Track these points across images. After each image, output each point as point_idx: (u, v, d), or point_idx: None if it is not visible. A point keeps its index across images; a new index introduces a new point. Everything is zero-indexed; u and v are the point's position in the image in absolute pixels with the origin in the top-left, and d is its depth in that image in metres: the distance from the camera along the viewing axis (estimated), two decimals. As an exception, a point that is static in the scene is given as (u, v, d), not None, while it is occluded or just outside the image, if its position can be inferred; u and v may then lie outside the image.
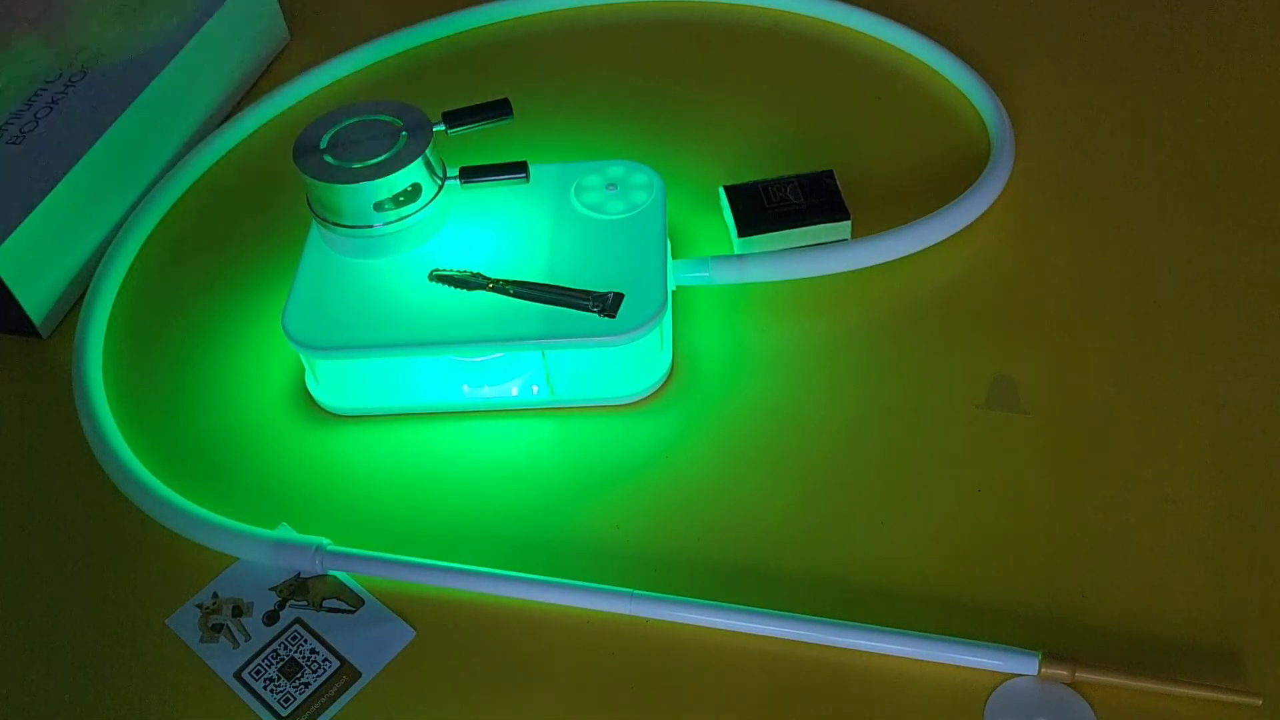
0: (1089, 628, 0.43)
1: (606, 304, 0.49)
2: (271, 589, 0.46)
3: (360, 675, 0.44)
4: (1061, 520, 0.46)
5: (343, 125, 0.52)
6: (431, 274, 0.51)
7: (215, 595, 0.46)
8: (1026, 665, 0.42)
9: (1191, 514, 0.46)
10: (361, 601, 0.46)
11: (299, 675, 0.44)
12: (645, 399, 0.52)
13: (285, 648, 0.45)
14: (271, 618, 0.46)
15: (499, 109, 0.53)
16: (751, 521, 0.47)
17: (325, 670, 0.44)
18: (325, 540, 0.47)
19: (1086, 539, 0.46)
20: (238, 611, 0.46)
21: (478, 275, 0.51)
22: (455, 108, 0.53)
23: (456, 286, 0.51)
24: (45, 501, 0.50)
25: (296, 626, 0.45)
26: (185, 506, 0.48)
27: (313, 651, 0.45)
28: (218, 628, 0.45)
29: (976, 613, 0.44)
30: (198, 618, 0.46)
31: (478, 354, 0.50)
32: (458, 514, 0.49)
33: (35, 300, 0.57)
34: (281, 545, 0.47)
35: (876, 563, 0.46)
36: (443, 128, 0.53)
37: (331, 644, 0.45)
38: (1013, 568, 0.45)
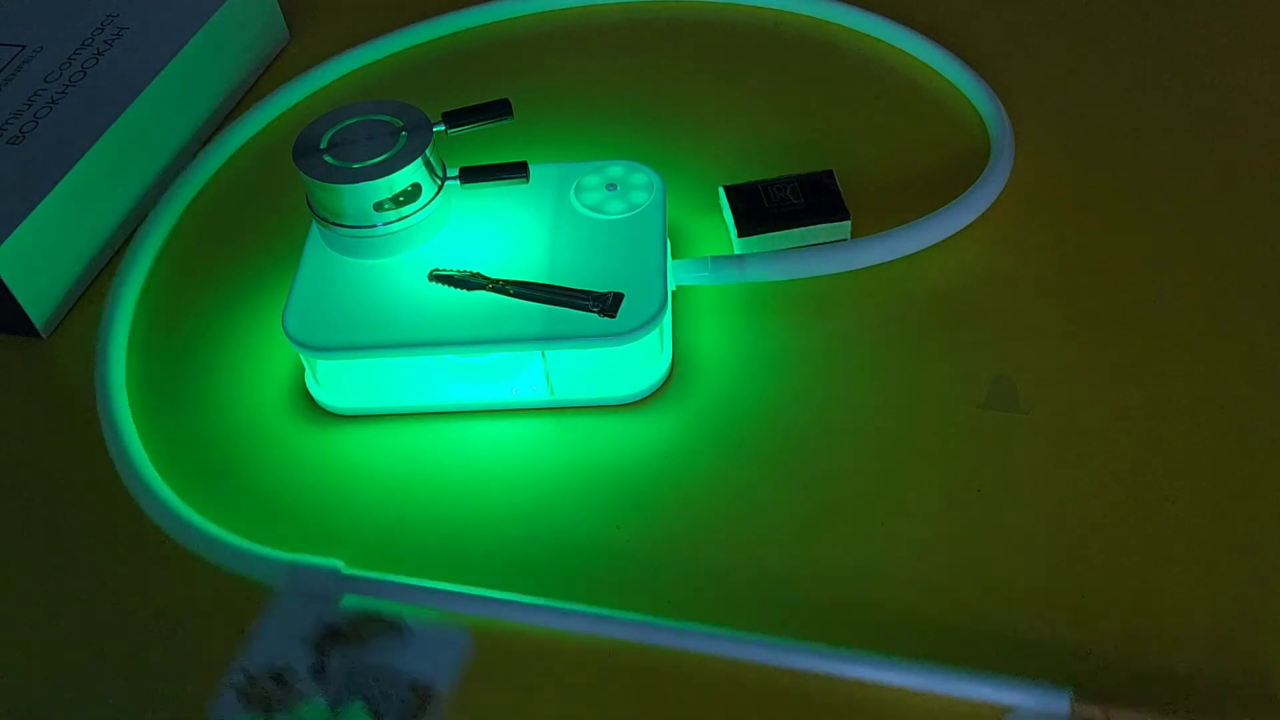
0: (1088, 628, 0.43)
1: (606, 304, 0.49)
2: (301, 640, 0.42)
3: (435, 693, 0.41)
4: (1061, 520, 0.46)
5: (343, 125, 0.52)
6: (431, 274, 0.51)
7: (246, 672, 0.41)
8: (1057, 701, 0.40)
9: (1191, 514, 0.46)
10: (401, 619, 0.43)
11: (378, 716, 0.40)
12: (645, 399, 0.52)
13: (350, 693, 0.41)
14: (320, 670, 0.41)
15: (499, 109, 0.53)
16: (751, 521, 0.47)
17: (396, 698, 0.40)
18: (339, 563, 0.45)
19: (1085, 539, 0.46)
20: (280, 679, 0.41)
21: (477, 275, 0.51)
22: (455, 108, 0.53)
23: (456, 286, 0.51)
24: (45, 501, 0.50)
25: (350, 668, 0.41)
26: (203, 526, 0.47)
27: (376, 682, 0.41)
28: (266, 703, 0.40)
29: (975, 612, 0.44)
30: (242, 705, 0.41)
31: (478, 354, 0.50)
32: (455, 513, 0.49)
33: (35, 300, 0.57)
34: (295, 572, 0.45)
35: (876, 561, 0.46)
36: (443, 128, 0.53)
37: (394, 673, 0.41)
38: (1011, 567, 0.45)
